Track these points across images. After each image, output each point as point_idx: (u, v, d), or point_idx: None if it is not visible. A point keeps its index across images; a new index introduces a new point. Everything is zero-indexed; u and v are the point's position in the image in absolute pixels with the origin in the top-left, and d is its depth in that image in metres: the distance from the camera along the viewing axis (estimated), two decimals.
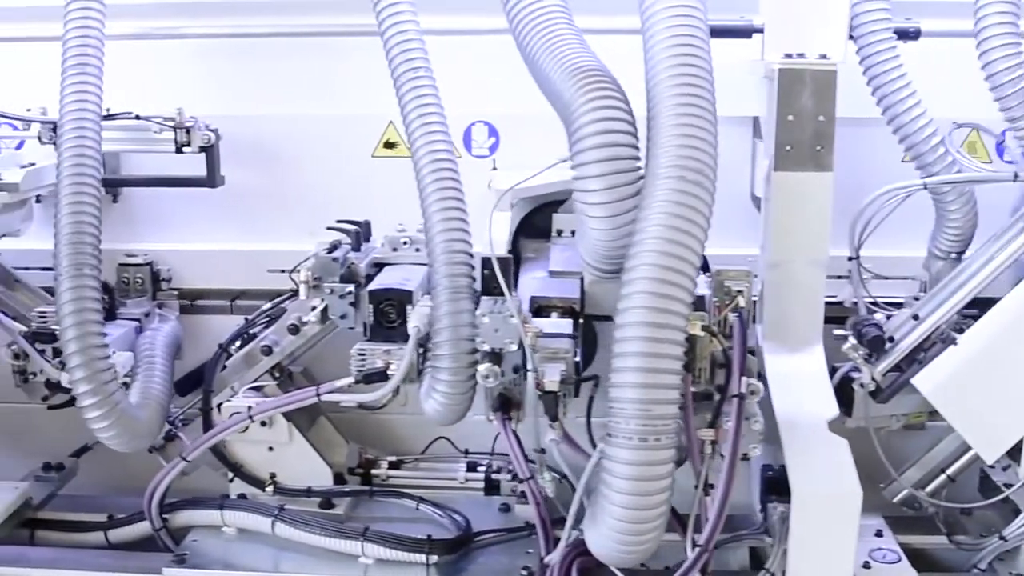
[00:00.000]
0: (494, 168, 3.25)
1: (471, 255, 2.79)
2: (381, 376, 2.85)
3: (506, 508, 3.21)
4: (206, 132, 3.23)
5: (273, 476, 3.17)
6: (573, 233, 3.14)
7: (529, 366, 2.59)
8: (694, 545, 2.58)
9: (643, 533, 2.43)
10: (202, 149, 3.23)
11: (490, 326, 2.66)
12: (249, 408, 3.03)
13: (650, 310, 2.32)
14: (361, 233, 3.11)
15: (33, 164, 3.23)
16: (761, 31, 2.99)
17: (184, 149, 3.21)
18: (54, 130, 3.21)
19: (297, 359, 3.32)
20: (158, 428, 3.10)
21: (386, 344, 2.89)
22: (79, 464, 3.54)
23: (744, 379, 2.55)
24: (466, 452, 3.43)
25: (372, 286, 2.92)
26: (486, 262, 2.79)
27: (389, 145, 3.44)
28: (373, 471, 3.36)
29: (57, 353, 3.03)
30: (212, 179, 3.29)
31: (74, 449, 3.55)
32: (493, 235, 2.78)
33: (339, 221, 3.13)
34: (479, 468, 3.37)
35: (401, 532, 2.96)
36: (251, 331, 3.29)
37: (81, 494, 3.51)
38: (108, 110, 3.10)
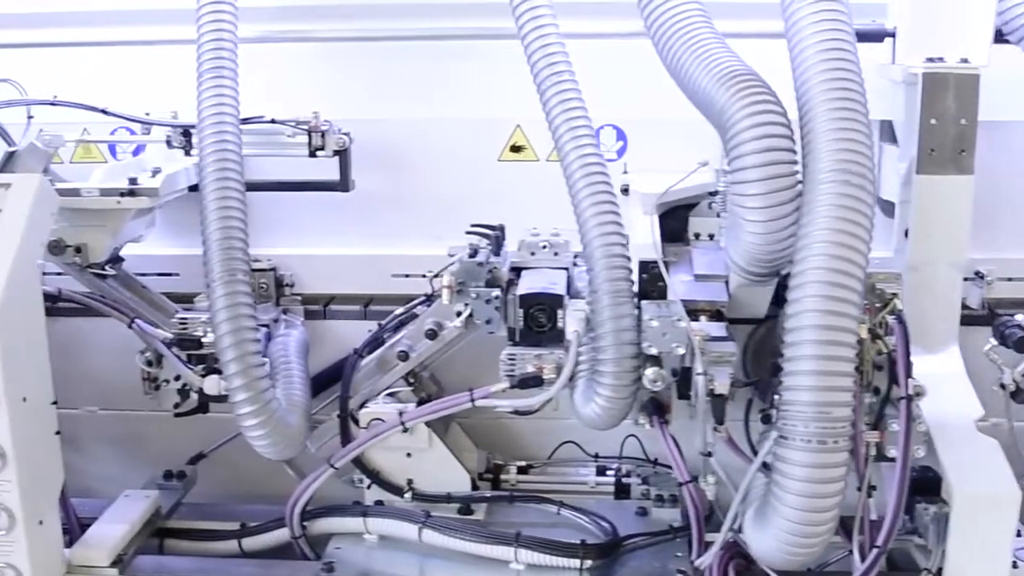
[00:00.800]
0: (625, 172, 3.24)
1: (629, 258, 2.78)
2: (536, 381, 2.83)
3: (643, 512, 3.19)
4: (340, 136, 3.19)
5: (410, 482, 3.14)
6: (711, 236, 3.17)
7: (698, 369, 2.60)
8: (870, 546, 2.58)
9: (814, 536, 2.45)
10: (336, 153, 3.20)
11: (658, 330, 2.67)
12: (400, 414, 3.00)
13: (824, 313, 2.34)
14: (500, 237, 3.10)
15: (159, 169, 3.19)
16: (893, 35, 3.03)
17: (318, 153, 3.18)
18: (184, 134, 3.20)
19: (429, 365, 3.29)
20: (306, 434, 3.06)
21: (536, 348, 2.87)
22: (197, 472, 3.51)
23: (910, 381, 2.58)
24: (596, 456, 3.42)
25: (522, 290, 2.88)
26: (643, 266, 2.79)
27: (516, 149, 3.42)
28: (502, 476, 3.34)
29: (195, 360, 3.02)
30: (345, 183, 3.26)
31: (179, 457, 3.50)
32: (652, 238, 2.81)
33: (474, 225, 3.12)
34: (608, 472, 3.36)
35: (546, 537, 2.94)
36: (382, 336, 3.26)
37: (202, 502, 3.47)
38: None
